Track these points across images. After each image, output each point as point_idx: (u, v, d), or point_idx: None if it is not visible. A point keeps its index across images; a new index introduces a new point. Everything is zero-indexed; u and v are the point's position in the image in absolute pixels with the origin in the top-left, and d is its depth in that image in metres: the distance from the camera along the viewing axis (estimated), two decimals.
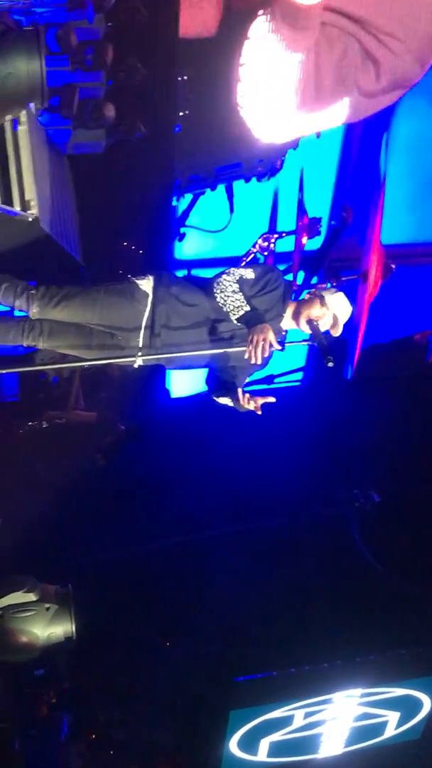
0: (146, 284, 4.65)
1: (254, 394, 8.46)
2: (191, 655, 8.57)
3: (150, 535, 9.16)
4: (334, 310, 4.63)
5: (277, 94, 4.85)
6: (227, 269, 4.77)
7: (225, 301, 4.54)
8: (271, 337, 4.40)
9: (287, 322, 4.79)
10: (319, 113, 5.68)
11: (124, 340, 4.66)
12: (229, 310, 4.54)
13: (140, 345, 4.65)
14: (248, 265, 4.88)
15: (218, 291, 4.57)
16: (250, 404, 4.62)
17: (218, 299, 4.57)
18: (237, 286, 4.56)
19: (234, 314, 4.54)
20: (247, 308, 4.49)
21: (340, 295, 4.75)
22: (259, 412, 4.65)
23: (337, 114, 5.67)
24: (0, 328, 4.75)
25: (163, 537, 9.23)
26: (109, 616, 8.07)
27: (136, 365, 4.62)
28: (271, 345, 4.33)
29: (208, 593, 8.74)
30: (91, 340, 4.72)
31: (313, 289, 4.80)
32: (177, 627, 8.69)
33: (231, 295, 4.53)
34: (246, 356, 4.44)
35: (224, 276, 4.64)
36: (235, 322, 4.57)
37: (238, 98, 5.25)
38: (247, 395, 4.63)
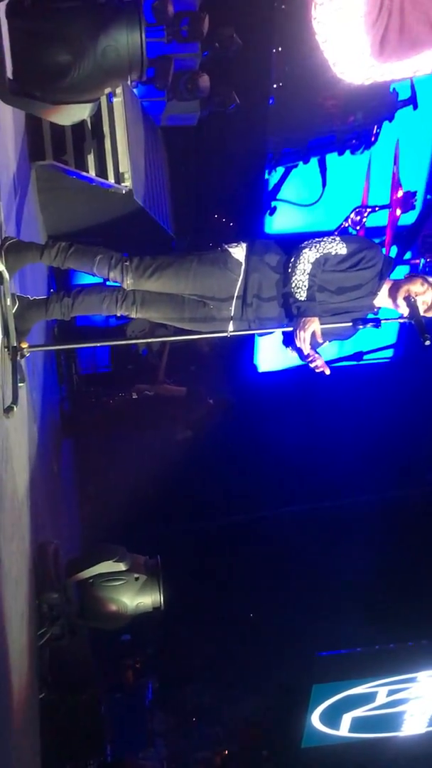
0: (239, 252, 4.60)
1: (340, 369, 8.39)
2: (277, 627, 8.61)
3: (238, 508, 9.21)
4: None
5: (353, 32, 4.70)
6: (320, 239, 4.64)
7: (291, 276, 4.47)
8: (316, 327, 4.37)
9: (382, 300, 4.68)
10: (402, 60, 5.45)
11: (216, 310, 4.63)
12: (292, 287, 4.47)
13: (232, 315, 4.62)
14: (345, 237, 4.69)
15: (291, 264, 4.50)
16: (318, 361, 4.52)
17: (289, 271, 4.49)
18: (311, 267, 4.46)
19: (293, 293, 4.46)
20: (303, 298, 4.41)
21: None
22: (327, 372, 4.55)
23: (424, 63, 5.45)
24: (94, 299, 4.76)
25: (251, 509, 9.27)
26: (196, 587, 8.16)
27: (228, 335, 4.59)
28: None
29: (295, 567, 8.75)
30: (184, 312, 4.71)
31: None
32: (263, 599, 8.74)
33: (299, 275, 4.45)
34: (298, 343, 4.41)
35: (305, 251, 4.52)
36: (291, 301, 4.47)
37: (317, 37, 5.11)
38: (306, 333, 4.50)
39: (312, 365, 4.52)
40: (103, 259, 4.56)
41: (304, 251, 4.44)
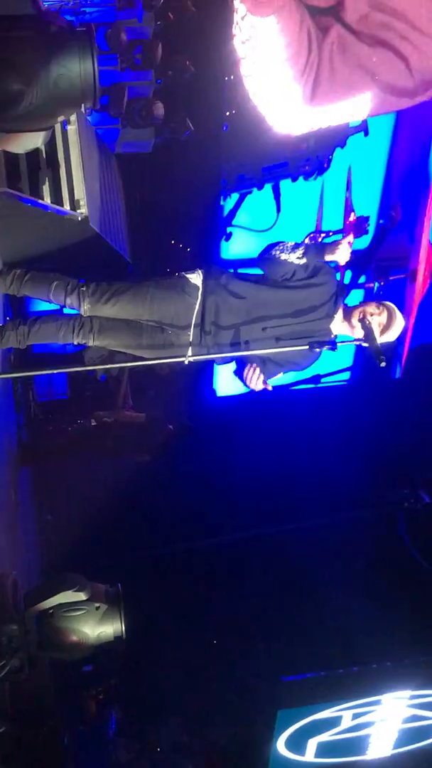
0: (196, 277, 4.64)
1: (298, 393, 8.44)
2: (240, 653, 8.57)
3: (198, 533, 9.17)
4: (388, 311, 4.57)
5: (281, 86, 4.74)
6: (281, 242, 4.75)
7: (283, 248, 4.58)
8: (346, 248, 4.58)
9: (337, 325, 4.73)
10: (337, 105, 5.54)
11: (175, 337, 4.65)
12: (288, 252, 4.56)
13: (191, 341, 4.64)
14: (303, 246, 4.79)
15: (275, 248, 4.60)
16: (258, 380, 4.55)
17: (275, 253, 4.57)
18: (301, 247, 4.61)
19: (295, 253, 4.55)
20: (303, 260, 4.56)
21: (396, 311, 4.69)
22: (269, 388, 4.60)
23: (360, 107, 5.54)
24: (50, 327, 4.76)
25: (211, 535, 9.23)
26: (158, 614, 8.09)
27: (186, 362, 4.61)
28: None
29: (256, 592, 8.72)
30: (142, 338, 4.72)
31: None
32: (226, 625, 8.69)
33: (285, 244, 4.60)
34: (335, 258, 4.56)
35: (276, 248, 4.65)
36: (300, 259, 4.56)
37: (248, 90, 5.19)
38: (257, 371, 4.55)
39: (249, 382, 4.56)
40: (59, 285, 4.57)
41: (274, 252, 4.54)
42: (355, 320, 4.59)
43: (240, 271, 4.81)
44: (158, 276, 4.82)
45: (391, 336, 4.62)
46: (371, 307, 4.58)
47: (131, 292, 4.61)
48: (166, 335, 4.65)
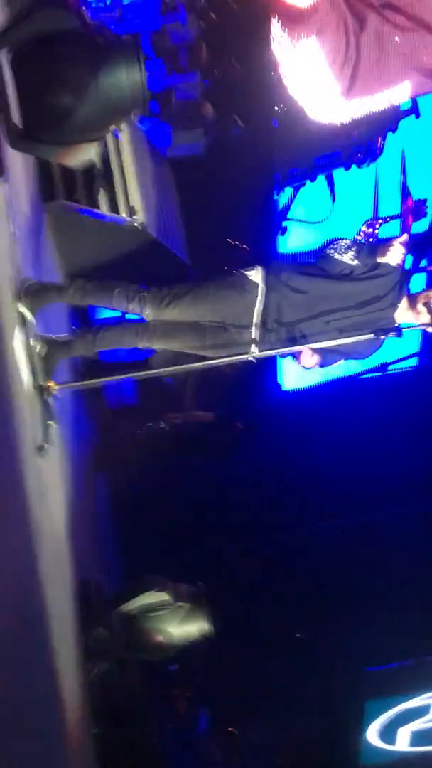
0: (255, 275, 4.64)
1: (365, 382, 8.39)
2: (324, 645, 8.55)
3: (277, 527, 9.18)
4: None
5: (320, 84, 4.74)
6: (336, 242, 4.72)
7: (336, 247, 4.57)
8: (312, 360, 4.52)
9: (402, 313, 4.68)
10: (378, 93, 5.50)
11: (238, 335, 4.67)
12: (342, 252, 4.54)
13: (254, 339, 4.66)
14: (356, 244, 4.77)
15: (330, 246, 4.59)
16: (307, 359, 4.61)
17: (330, 252, 4.56)
18: (352, 254, 4.58)
19: (348, 253, 4.54)
20: (344, 258, 4.54)
21: None
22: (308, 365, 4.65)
23: (398, 92, 5.49)
24: (115, 333, 4.82)
25: (287, 529, 9.24)
26: (241, 610, 8.13)
27: (252, 359, 4.63)
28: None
29: (338, 583, 8.70)
30: (205, 339, 4.75)
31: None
32: (309, 618, 8.69)
33: (341, 242, 4.57)
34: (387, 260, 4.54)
35: (331, 251, 4.62)
36: (353, 260, 4.54)
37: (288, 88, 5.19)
38: (308, 351, 4.60)
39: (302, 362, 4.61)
40: (121, 292, 4.63)
41: (331, 251, 4.53)
42: (420, 305, 4.55)
43: (300, 265, 4.80)
44: (217, 276, 4.84)
45: None
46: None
47: (191, 294, 4.64)
48: (229, 334, 4.67)
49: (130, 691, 5.55)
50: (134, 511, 8.39)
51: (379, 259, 4.59)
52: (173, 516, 8.37)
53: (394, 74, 4.99)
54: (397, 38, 4.68)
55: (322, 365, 4.74)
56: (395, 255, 4.61)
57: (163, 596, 4.86)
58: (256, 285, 4.61)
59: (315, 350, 4.60)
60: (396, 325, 4.68)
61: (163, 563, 6.37)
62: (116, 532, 8.41)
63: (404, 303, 4.64)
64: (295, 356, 4.67)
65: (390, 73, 4.95)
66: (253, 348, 4.66)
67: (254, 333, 4.65)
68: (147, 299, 4.60)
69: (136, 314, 4.72)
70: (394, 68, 4.91)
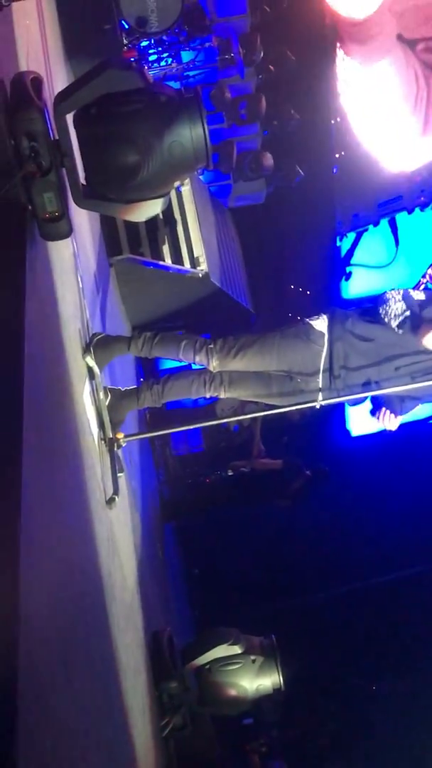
0: (320, 323, 4.62)
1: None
2: (402, 695, 8.33)
3: (348, 577, 9.02)
4: None
5: (395, 124, 4.70)
6: (395, 289, 4.67)
7: (387, 311, 4.47)
8: (394, 423, 4.40)
9: None
10: None
11: (304, 383, 4.65)
12: (389, 318, 4.46)
13: (320, 387, 4.63)
14: (422, 291, 4.71)
15: (382, 305, 4.52)
16: (390, 422, 4.52)
17: (381, 311, 4.49)
18: (402, 300, 4.50)
19: (395, 321, 4.44)
20: (408, 313, 4.43)
21: None
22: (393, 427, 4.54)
23: None
24: (183, 383, 4.84)
25: (361, 578, 9.07)
26: (315, 662, 7.98)
27: (318, 407, 4.60)
28: None
29: (411, 632, 8.49)
30: (271, 387, 4.74)
31: None
32: (387, 668, 8.49)
33: (393, 305, 4.48)
34: (423, 345, 4.40)
35: (389, 292, 4.57)
36: (396, 329, 4.45)
37: (356, 133, 5.19)
38: (387, 412, 4.52)
39: (383, 423, 4.53)
40: (188, 344, 4.65)
41: (387, 293, 4.48)
42: None
43: (365, 311, 4.76)
44: (282, 325, 4.83)
45: None
46: None
47: (258, 344, 4.63)
48: (295, 383, 4.65)
49: (204, 747, 5.45)
50: (203, 562, 8.34)
51: (419, 340, 4.52)
52: (243, 566, 8.29)
53: None
54: None
55: (401, 413, 4.68)
56: (429, 341, 4.54)
57: (236, 649, 4.79)
58: (322, 335, 4.59)
59: (391, 402, 4.55)
60: None
61: (233, 615, 6.30)
62: (186, 582, 8.37)
63: None
64: (377, 415, 4.62)
65: None
66: (320, 395, 4.63)
67: (321, 380, 4.62)
68: (213, 351, 4.61)
69: (202, 365, 4.73)
70: None
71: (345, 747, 8.58)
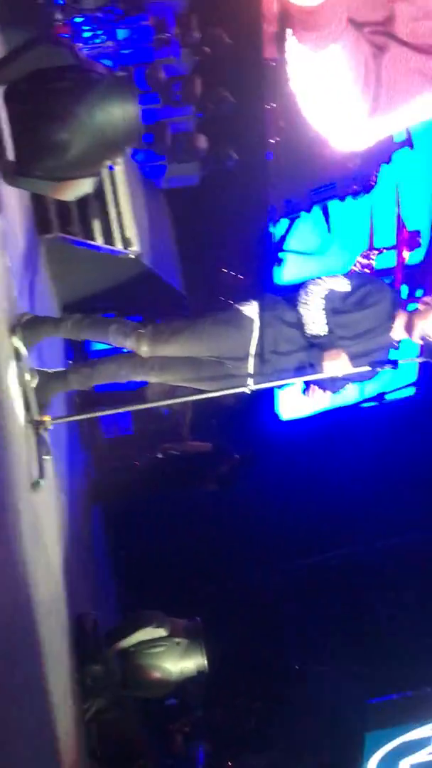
0: (250, 309, 4.63)
1: (362, 411, 8.29)
2: (323, 679, 8.46)
3: (274, 560, 9.11)
4: None
5: (343, 106, 4.76)
6: (320, 278, 4.65)
7: (305, 315, 4.48)
8: (343, 363, 4.42)
9: (398, 333, 4.67)
10: (397, 111, 5.55)
11: (234, 368, 4.67)
12: (306, 323, 4.48)
13: (250, 372, 4.64)
14: (347, 275, 4.72)
15: (302, 303, 4.51)
16: (319, 398, 4.58)
17: (300, 309, 4.50)
18: (323, 302, 4.48)
19: (309, 330, 4.47)
20: (325, 332, 4.44)
21: None
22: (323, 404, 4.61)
23: (421, 109, 5.54)
24: (111, 366, 4.80)
25: (285, 562, 9.17)
26: (239, 644, 8.05)
27: (248, 391, 4.61)
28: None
29: (336, 615, 8.63)
30: (201, 372, 4.73)
31: (426, 298, 4.63)
32: (307, 651, 8.61)
33: (314, 312, 4.47)
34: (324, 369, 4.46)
35: (312, 287, 4.54)
36: (309, 337, 4.49)
37: (305, 114, 5.20)
38: (317, 388, 4.58)
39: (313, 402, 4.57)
40: (118, 329, 4.61)
41: (311, 288, 4.48)
42: (416, 339, 4.55)
43: (294, 298, 4.77)
44: (213, 310, 4.82)
45: None
46: (429, 321, 4.51)
47: (188, 331, 4.62)
48: (225, 367, 4.66)
49: (128, 729, 5.46)
50: (131, 544, 8.32)
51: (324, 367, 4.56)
52: (170, 549, 8.30)
53: (414, 89, 5.03)
54: (416, 58, 4.73)
55: (333, 392, 4.72)
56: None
57: (161, 632, 4.79)
58: (252, 321, 4.59)
59: (321, 381, 4.58)
60: (395, 343, 4.67)
61: (159, 597, 6.30)
62: (112, 565, 8.34)
63: (399, 324, 4.61)
64: (307, 392, 4.64)
65: (410, 89, 4.98)
66: (250, 380, 4.65)
67: (250, 365, 4.63)
68: (144, 336, 4.58)
69: (131, 351, 4.70)
70: (414, 83, 4.95)
71: (268, 728, 8.69)
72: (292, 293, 4.65)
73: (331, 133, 4.89)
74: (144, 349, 4.54)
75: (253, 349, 4.56)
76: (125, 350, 4.90)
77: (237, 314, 4.60)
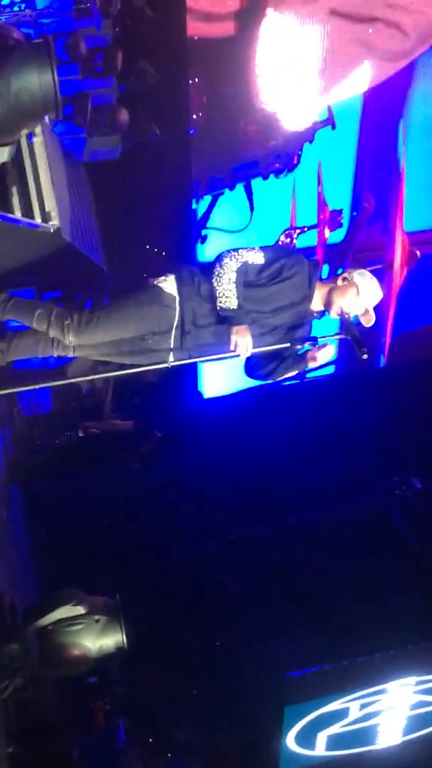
0: (169, 285, 4.60)
1: (284, 389, 8.31)
2: (243, 653, 8.55)
3: (192, 537, 9.15)
4: (365, 296, 4.52)
5: (301, 74, 4.82)
6: (235, 250, 4.60)
7: (218, 289, 4.45)
8: (247, 341, 4.42)
9: (317, 304, 4.68)
10: (341, 82, 5.67)
11: (155, 344, 4.65)
12: (218, 296, 4.46)
13: (171, 346, 4.63)
14: (263, 247, 4.70)
15: (215, 276, 4.48)
16: (243, 347, 4.50)
17: (213, 282, 4.47)
18: (236, 275, 4.46)
19: (220, 303, 4.44)
20: (235, 306, 4.42)
21: (370, 278, 4.59)
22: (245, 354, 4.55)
23: (361, 78, 5.65)
24: (29, 341, 4.75)
25: (205, 538, 9.22)
26: (158, 621, 8.07)
27: (169, 366, 4.60)
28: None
29: (255, 590, 8.71)
30: (122, 347, 4.71)
31: (344, 274, 4.63)
32: (226, 627, 8.67)
33: (226, 285, 4.43)
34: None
35: (226, 260, 4.50)
36: (219, 310, 4.45)
37: (260, 94, 5.24)
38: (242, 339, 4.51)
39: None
40: (43, 314, 4.57)
41: (225, 261, 4.47)
42: (333, 315, 4.59)
43: (209, 271, 4.74)
44: (134, 288, 4.76)
45: (374, 297, 4.56)
46: (349, 302, 4.55)
47: (113, 317, 4.60)
48: (146, 343, 4.64)
49: (46, 708, 5.45)
50: (49, 523, 8.25)
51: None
52: (89, 528, 8.25)
53: (355, 58, 5.15)
54: (354, 28, 4.87)
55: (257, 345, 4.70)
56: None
57: (79, 610, 4.78)
58: (173, 297, 4.59)
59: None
60: (315, 314, 4.70)
61: (78, 576, 6.27)
62: (30, 544, 8.26)
63: (319, 294, 4.64)
64: (231, 343, 4.57)
65: (352, 58, 5.10)
66: (171, 356, 4.64)
67: (172, 337, 4.63)
68: (70, 327, 4.55)
69: (56, 337, 4.63)
70: (354, 52, 5.07)
71: (188, 703, 8.76)
72: (208, 265, 4.65)
73: (284, 111, 4.94)
74: (70, 339, 4.53)
75: (175, 322, 4.56)
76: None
77: (159, 293, 4.60)
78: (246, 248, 4.59)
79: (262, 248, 4.61)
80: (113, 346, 4.67)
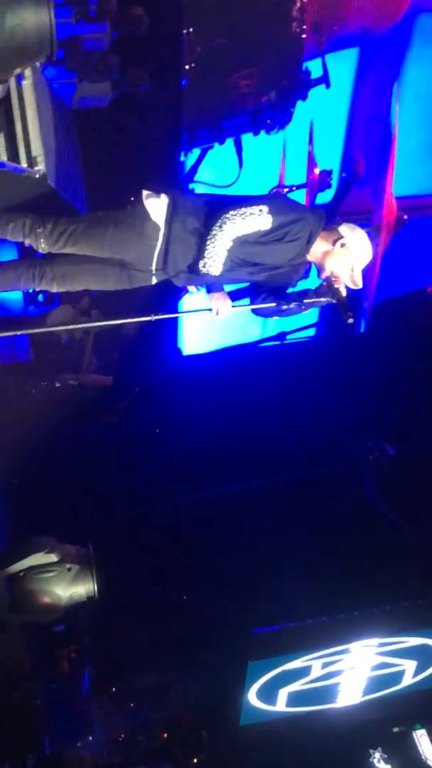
0: (158, 213, 4.39)
1: (263, 350, 8.19)
2: (210, 608, 8.63)
3: (166, 493, 9.18)
4: (358, 264, 4.42)
5: None
6: (244, 210, 4.25)
7: (208, 249, 4.29)
8: (228, 306, 4.36)
9: (313, 257, 4.56)
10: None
11: (139, 278, 4.59)
12: (204, 256, 4.30)
13: (153, 283, 4.58)
14: (275, 208, 4.40)
15: (212, 235, 4.28)
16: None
17: (207, 241, 4.29)
18: (231, 244, 4.28)
19: (203, 263, 4.29)
20: (216, 274, 4.30)
21: (366, 243, 4.47)
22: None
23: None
24: (10, 273, 4.65)
25: (179, 494, 9.26)
26: (129, 573, 8.12)
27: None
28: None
29: (225, 548, 8.78)
30: (107, 281, 4.63)
31: (342, 240, 4.47)
32: (195, 581, 8.75)
33: (219, 248, 4.27)
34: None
35: (229, 225, 4.24)
36: (197, 269, 4.34)
37: None
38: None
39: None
40: (17, 225, 4.48)
41: (227, 225, 4.24)
42: (324, 275, 4.53)
43: (213, 196, 4.60)
44: (117, 211, 4.58)
45: (366, 261, 4.50)
46: (342, 267, 4.47)
47: (89, 231, 4.46)
48: (131, 273, 4.58)
49: (11, 653, 5.48)
50: (24, 473, 8.23)
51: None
52: (64, 478, 8.24)
53: None
54: None
55: (253, 302, 4.67)
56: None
57: (52, 557, 4.80)
58: (157, 228, 4.41)
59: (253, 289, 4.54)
60: (306, 264, 4.63)
61: (52, 525, 6.28)
62: (4, 493, 8.25)
63: (315, 251, 4.51)
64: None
65: None
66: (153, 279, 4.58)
67: (155, 279, 4.59)
68: (43, 234, 4.46)
69: (30, 246, 4.58)
70: None
71: (154, 653, 8.84)
72: (211, 208, 4.41)
73: None
74: (43, 247, 4.46)
75: (155, 265, 4.47)
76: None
77: (142, 217, 4.43)
78: (256, 209, 4.28)
79: (271, 211, 4.28)
80: (99, 282, 4.63)
